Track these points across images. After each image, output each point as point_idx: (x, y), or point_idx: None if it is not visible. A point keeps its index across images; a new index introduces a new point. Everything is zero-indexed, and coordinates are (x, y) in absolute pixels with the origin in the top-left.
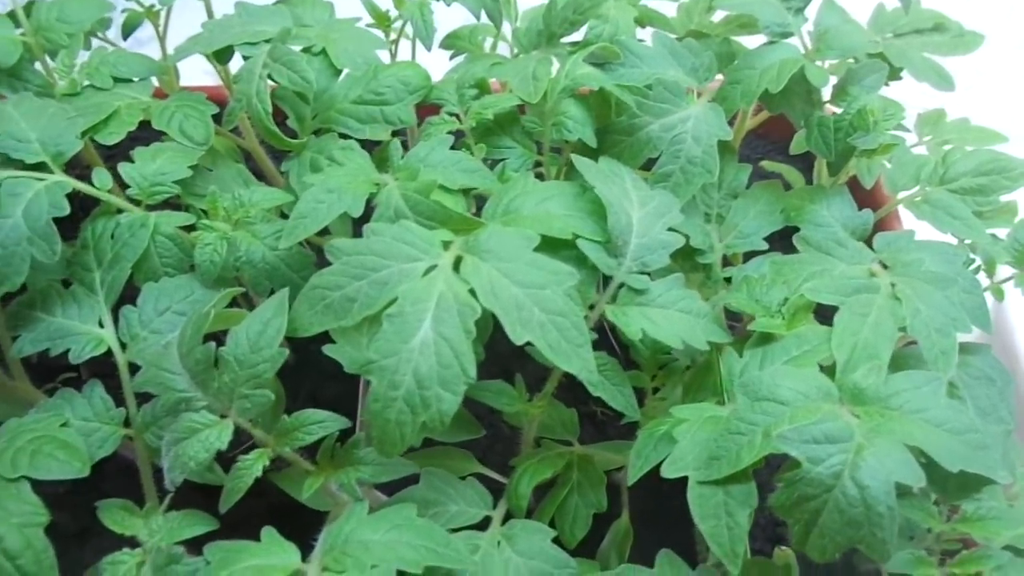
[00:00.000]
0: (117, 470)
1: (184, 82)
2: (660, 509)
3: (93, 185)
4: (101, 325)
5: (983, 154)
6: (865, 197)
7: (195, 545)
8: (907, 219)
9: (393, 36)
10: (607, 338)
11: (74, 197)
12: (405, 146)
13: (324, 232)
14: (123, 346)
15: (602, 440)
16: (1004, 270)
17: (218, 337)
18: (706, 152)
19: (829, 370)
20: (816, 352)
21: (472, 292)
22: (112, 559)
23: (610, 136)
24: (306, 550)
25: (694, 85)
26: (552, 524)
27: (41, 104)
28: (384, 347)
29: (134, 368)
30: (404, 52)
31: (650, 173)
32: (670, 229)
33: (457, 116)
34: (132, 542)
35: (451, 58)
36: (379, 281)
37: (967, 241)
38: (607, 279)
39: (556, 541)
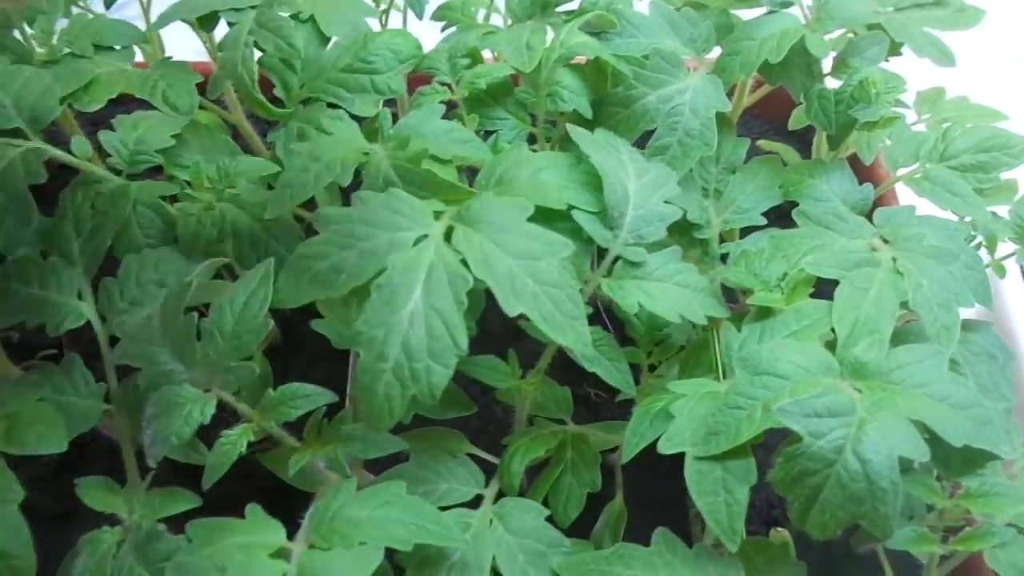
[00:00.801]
0: (100, 452)
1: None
2: (655, 490)
3: (72, 153)
4: (80, 297)
5: (983, 131)
6: (864, 174)
7: (179, 525)
8: (904, 197)
9: (384, 5)
10: (601, 316)
11: (53, 167)
12: (396, 118)
13: (312, 205)
14: (103, 319)
15: (596, 422)
16: (1004, 247)
17: (201, 310)
18: (704, 124)
19: (829, 345)
20: (816, 326)
21: (464, 262)
22: (90, 537)
23: (606, 108)
24: (293, 529)
25: (692, 56)
26: (545, 503)
27: (15, 68)
28: (373, 318)
29: (115, 341)
30: (395, 22)
31: (647, 146)
32: (667, 202)
33: (449, 86)
34: (113, 521)
35: (443, 30)
36: (367, 251)
37: (967, 219)
38: (603, 252)
39: (549, 520)
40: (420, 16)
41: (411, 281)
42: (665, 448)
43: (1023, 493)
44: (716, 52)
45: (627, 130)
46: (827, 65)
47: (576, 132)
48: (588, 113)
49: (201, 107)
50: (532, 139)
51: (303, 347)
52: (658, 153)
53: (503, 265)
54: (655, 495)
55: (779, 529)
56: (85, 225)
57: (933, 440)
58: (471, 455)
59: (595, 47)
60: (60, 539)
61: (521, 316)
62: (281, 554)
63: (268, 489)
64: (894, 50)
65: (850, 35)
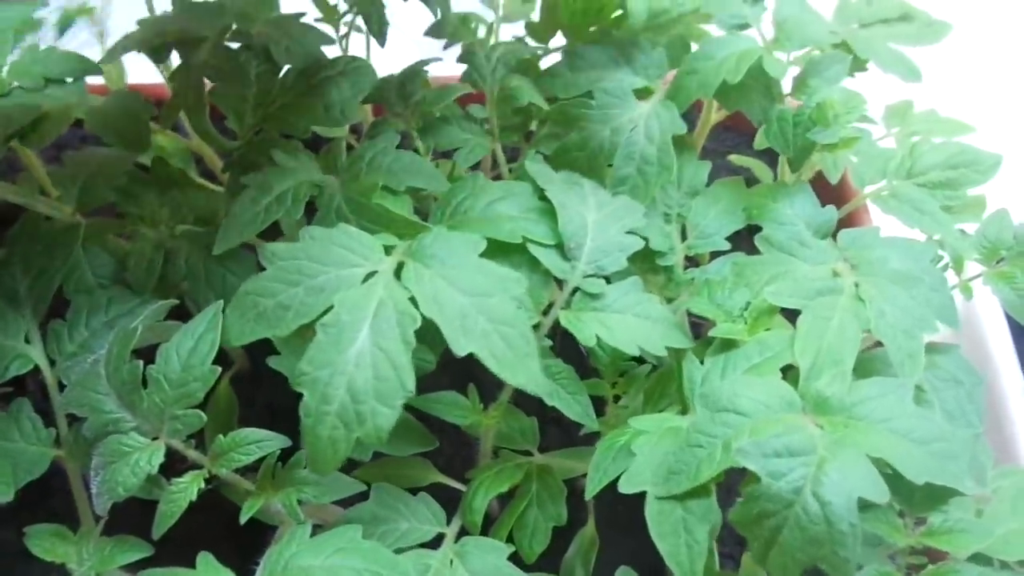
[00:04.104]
0: (63, 485)
1: (145, 79)
2: (627, 515)
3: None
4: (28, 340)
5: (951, 147)
6: (832, 192)
7: (134, 565)
8: (876, 213)
9: (344, 30)
10: (572, 342)
11: (3, 204)
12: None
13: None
14: (52, 363)
15: (568, 444)
16: (972, 267)
17: (152, 352)
18: (661, 150)
19: (794, 375)
20: (779, 358)
21: (413, 300)
22: None
23: (566, 155)
24: (250, 573)
25: (643, 84)
26: (511, 538)
27: None
28: (317, 358)
29: (65, 386)
30: (358, 47)
31: (607, 181)
32: (630, 232)
33: (401, 115)
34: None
35: (445, 47)
36: (315, 288)
37: (935, 237)
38: (561, 283)
39: (515, 556)
40: (382, 44)
41: (358, 320)
42: (625, 487)
43: (987, 528)
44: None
45: (591, 171)
46: (788, 85)
47: (534, 168)
48: (544, 104)
49: (163, 133)
50: (494, 160)
51: (271, 373)
52: (619, 184)
53: (454, 303)
54: (628, 520)
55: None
56: (33, 265)
57: (896, 475)
58: (438, 484)
59: (528, 91)
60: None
61: None
62: None
63: (234, 520)
64: (859, 66)
65: (815, 53)
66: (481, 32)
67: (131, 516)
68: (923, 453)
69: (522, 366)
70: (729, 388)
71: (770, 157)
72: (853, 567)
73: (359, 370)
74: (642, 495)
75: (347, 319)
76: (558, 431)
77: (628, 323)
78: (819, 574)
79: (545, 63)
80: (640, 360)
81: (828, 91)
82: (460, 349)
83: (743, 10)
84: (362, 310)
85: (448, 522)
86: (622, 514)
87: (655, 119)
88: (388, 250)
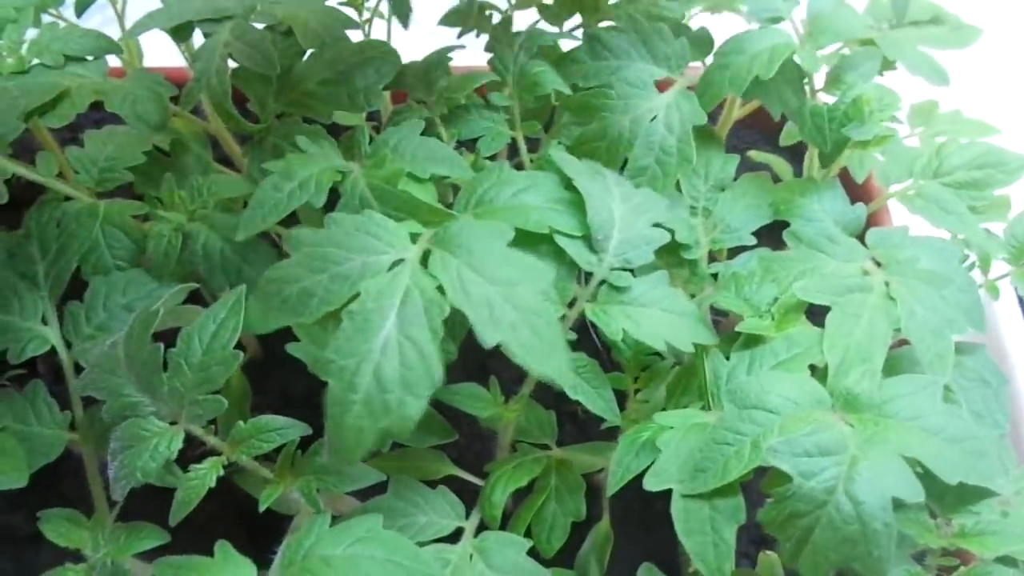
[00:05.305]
0: (74, 469)
1: (161, 62)
2: (642, 512)
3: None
4: (44, 322)
5: (978, 147)
6: (856, 190)
7: (149, 552)
8: (896, 213)
9: (367, 15)
10: (589, 337)
11: (19, 184)
12: (379, 131)
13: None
14: (68, 344)
15: (583, 440)
16: (998, 267)
17: (171, 336)
18: (682, 140)
19: (820, 373)
20: (807, 355)
21: (440, 289)
22: (53, 573)
23: (586, 144)
24: (266, 559)
25: (664, 74)
26: (528, 532)
27: None
28: (344, 346)
29: (81, 368)
30: (379, 31)
31: (626, 170)
32: (655, 225)
33: (424, 102)
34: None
35: (459, 36)
36: (340, 275)
37: (961, 236)
38: (588, 276)
39: (533, 550)
40: (405, 27)
41: (385, 308)
42: (650, 485)
43: (1018, 530)
44: (693, 67)
45: (610, 161)
46: (819, 81)
47: (560, 158)
48: (567, 89)
49: (180, 116)
50: (513, 149)
51: (283, 361)
52: (638, 175)
53: (481, 292)
54: (642, 517)
55: (768, 552)
56: (51, 246)
57: (926, 475)
58: (454, 477)
59: (551, 78)
60: (32, 561)
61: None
62: None
63: (247, 508)
64: (888, 66)
65: (844, 51)
66: (495, 19)
67: (141, 503)
68: (955, 451)
69: (550, 356)
70: (757, 384)
71: (790, 154)
72: (888, 567)
73: (386, 359)
74: (656, 495)
75: (373, 307)
76: (573, 427)
77: (655, 317)
78: None
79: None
80: (661, 356)
81: (863, 87)
82: (488, 338)
83: (776, 3)
84: (389, 298)
85: (467, 516)
86: (635, 511)
87: (676, 109)
88: (414, 238)
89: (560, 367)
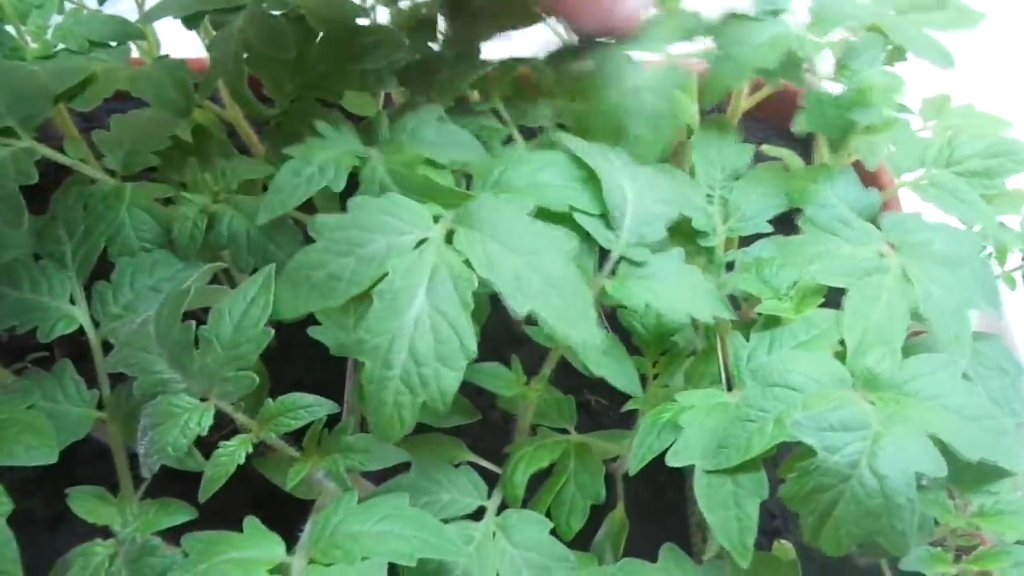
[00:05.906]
0: (91, 454)
1: (178, 55)
2: (655, 500)
3: (65, 153)
4: (72, 301)
5: (989, 137)
6: (868, 180)
7: (172, 534)
8: (907, 205)
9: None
10: (605, 326)
11: (46, 167)
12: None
13: (311, 211)
14: (96, 324)
15: (597, 430)
16: (1014, 259)
17: (197, 315)
18: (666, 100)
19: (839, 356)
20: (826, 336)
21: (467, 263)
22: (83, 550)
23: (580, 125)
24: (292, 541)
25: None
26: (548, 515)
27: (9, 66)
28: (375, 325)
29: (108, 347)
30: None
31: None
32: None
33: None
34: (105, 531)
35: None
36: (366, 257)
37: (975, 227)
38: (605, 255)
39: (553, 533)
40: None
41: (414, 285)
42: (674, 460)
43: None
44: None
45: (607, 137)
46: (826, 68)
47: (568, 139)
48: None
49: (198, 105)
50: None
51: (297, 350)
52: (634, 145)
53: (508, 263)
54: (655, 505)
55: (783, 541)
56: (78, 227)
57: (945, 455)
58: (471, 464)
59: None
60: (50, 546)
61: (524, 321)
62: (280, 569)
63: (264, 494)
64: (899, 56)
65: (850, 38)
66: None
67: (161, 489)
68: (975, 429)
69: (580, 321)
70: (780, 363)
71: (801, 147)
72: (911, 541)
73: (419, 334)
74: (669, 484)
75: (402, 285)
76: (586, 417)
77: (675, 290)
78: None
79: None
80: (678, 344)
81: (869, 73)
82: (520, 307)
83: None
84: (417, 275)
85: (488, 496)
86: (646, 499)
87: (656, 79)
88: (436, 218)
89: (590, 332)
